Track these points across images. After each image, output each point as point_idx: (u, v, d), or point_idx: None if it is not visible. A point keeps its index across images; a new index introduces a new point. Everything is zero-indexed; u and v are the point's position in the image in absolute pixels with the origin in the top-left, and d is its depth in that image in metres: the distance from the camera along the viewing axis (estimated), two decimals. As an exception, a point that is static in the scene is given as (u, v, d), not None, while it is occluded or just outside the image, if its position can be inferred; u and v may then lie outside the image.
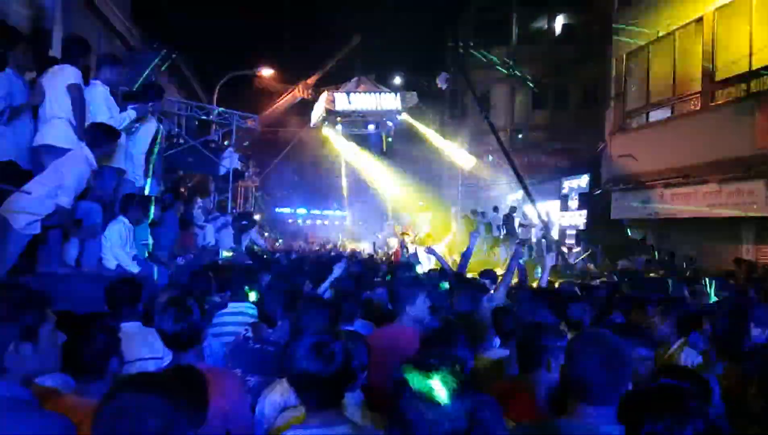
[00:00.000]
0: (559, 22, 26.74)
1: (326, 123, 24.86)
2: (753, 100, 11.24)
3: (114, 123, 5.49)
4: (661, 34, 14.02)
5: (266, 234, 23.31)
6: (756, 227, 11.88)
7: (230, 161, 14.15)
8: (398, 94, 23.95)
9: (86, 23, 11.92)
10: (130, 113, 5.77)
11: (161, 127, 7.34)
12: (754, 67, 11.49)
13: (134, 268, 5.31)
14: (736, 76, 11.96)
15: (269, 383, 2.81)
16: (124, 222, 5.50)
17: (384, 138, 26.16)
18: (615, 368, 1.84)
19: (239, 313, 4.03)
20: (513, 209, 18.69)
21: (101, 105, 5.49)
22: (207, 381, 2.14)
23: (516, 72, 23.23)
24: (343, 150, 26.47)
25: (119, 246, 5.35)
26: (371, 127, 26.10)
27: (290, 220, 32.77)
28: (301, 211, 31.13)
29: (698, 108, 12.91)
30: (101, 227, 5.28)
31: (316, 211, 30.05)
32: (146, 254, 6.04)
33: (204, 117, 16.11)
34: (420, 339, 2.72)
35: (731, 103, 11.91)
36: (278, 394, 2.69)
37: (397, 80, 27.46)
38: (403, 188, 25.97)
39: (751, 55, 11.59)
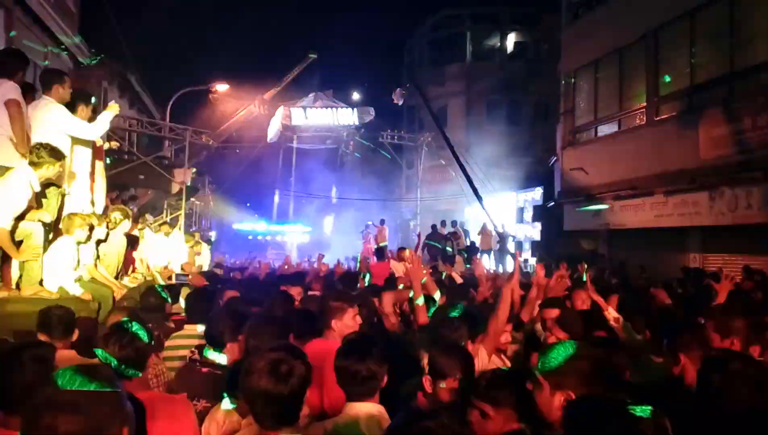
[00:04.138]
0: (511, 39, 27.48)
1: (283, 138, 24.71)
2: (696, 114, 11.69)
3: (85, 134, 5.55)
4: (607, 51, 14.50)
5: (225, 255, 22.28)
6: (701, 236, 12.30)
7: (184, 177, 13.89)
8: (355, 110, 23.98)
9: (32, 39, 11.57)
10: (105, 116, 5.70)
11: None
12: (695, 82, 11.99)
13: (77, 291, 5.10)
14: (679, 90, 12.45)
15: (217, 408, 2.72)
16: (68, 243, 5.29)
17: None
18: None
19: (194, 336, 3.82)
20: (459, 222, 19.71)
21: (58, 123, 5.32)
22: (153, 409, 2.06)
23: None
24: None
25: (62, 268, 5.14)
26: (329, 143, 26.07)
27: (249, 237, 32.19)
28: (261, 227, 30.51)
29: (644, 122, 13.35)
30: (43, 248, 5.07)
31: (276, 227, 29.44)
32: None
33: (156, 133, 15.78)
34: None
35: (675, 118, 12.35)
36: (222, 413, 2.65)
37: (355, 96, 27.57)
38: (361, 203, 25.93)
39: (692, 70, 12.09)
